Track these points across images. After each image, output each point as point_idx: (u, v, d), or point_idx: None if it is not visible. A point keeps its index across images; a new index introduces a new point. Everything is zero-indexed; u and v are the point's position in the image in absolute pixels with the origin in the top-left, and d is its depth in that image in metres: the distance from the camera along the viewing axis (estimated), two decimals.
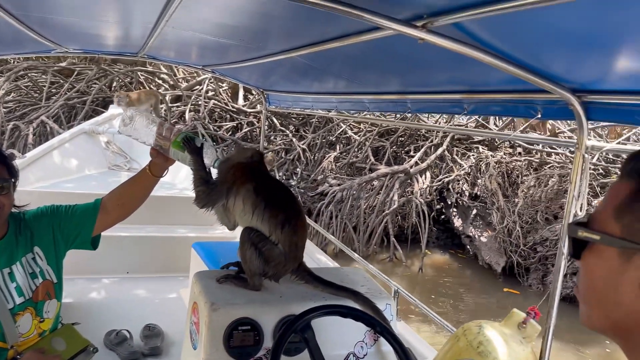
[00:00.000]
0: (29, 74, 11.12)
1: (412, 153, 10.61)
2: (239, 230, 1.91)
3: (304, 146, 10.58)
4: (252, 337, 1.68)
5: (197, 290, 1.79)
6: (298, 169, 10.03)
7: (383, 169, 9.40)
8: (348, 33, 1.67)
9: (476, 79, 1.92)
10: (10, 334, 1.67)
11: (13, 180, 1.73)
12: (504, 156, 9.92)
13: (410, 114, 6.52)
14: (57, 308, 1.85)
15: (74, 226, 1.88)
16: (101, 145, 5.56)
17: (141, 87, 11.59)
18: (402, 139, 11.12)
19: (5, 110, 10.29)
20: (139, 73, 11.54)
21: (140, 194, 1.96)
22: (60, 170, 4.83)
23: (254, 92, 11.64)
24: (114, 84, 11.46)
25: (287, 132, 11.07)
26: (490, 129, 10.20)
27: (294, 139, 10.73)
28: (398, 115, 8.64)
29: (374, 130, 10.57)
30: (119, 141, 5.63)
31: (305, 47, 2.08)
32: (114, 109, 5.92)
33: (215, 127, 10.84)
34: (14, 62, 10.81)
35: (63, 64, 11.13)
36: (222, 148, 9.84)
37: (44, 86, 11.06)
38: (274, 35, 2.18)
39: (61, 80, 11.28)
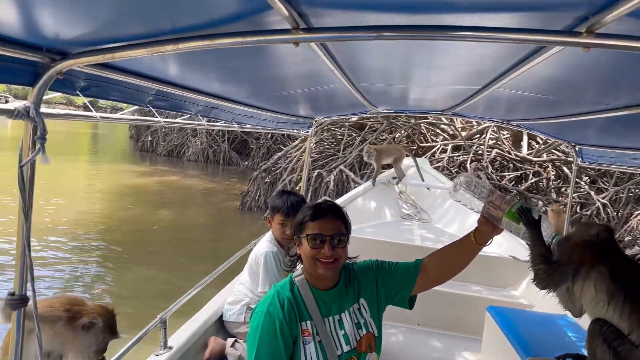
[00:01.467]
0: (331, 128, 12.96)
1: None
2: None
3: (604, 200, 9.15)
4: None
5: None
6: None
7: None
8: None
9: None
10: None
11: (348, 234, 1.89)
12: None
13: None
14: None
15: (396, 283, 1.92)
16: (395, 195, 5.94)
17: (422, 138, 12.15)
18: None
19: (310, 159, 12.24)
20: (421, 125, 12.14)
21: (462, 260, 1.89)
22: (362, 216, 5.31)
23: (539, 139, 10.80)
24: (397, 135, 12.32)
25: (581, 183, 9.80)
26: None
27: (590, 192, 9.41)
28: None
29: None
30: (410, 192, 5.93)
31: None
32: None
33: (497, 177, 10.43)
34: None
35: (355, 119, 12.60)
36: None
37: (341, 139, 12.72)
38: (617, 91, 1.88)
39: (354, 134, 12.78)
